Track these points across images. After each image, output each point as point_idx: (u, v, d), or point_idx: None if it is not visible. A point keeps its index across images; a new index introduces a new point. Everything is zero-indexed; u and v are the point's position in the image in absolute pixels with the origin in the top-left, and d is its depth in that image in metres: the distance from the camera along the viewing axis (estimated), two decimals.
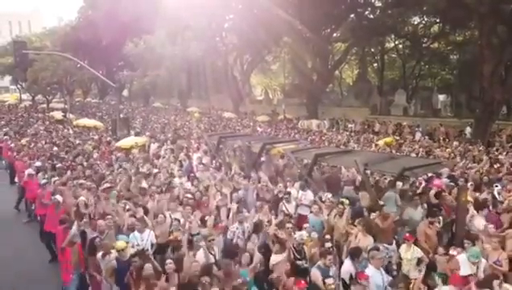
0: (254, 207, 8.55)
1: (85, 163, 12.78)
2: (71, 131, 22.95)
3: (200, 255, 6.45)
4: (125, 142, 16.36)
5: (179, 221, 7.74)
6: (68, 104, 36.04)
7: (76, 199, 8.79)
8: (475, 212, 7.88)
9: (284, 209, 8.51)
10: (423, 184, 10.15)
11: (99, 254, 6.51)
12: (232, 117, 33.67)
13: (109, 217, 7.46)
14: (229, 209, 8.33)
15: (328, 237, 7.18)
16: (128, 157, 14.27)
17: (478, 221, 7.55)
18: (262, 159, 12.00)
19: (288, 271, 6.02)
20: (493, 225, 7.14)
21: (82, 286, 7.04)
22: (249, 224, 7.58)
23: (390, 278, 5.97)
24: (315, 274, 5.95)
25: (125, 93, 48.84)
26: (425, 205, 8.48)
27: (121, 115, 25.43)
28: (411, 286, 5.43)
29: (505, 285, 5.59)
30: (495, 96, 20.89)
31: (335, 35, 35.51)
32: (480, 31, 21.78)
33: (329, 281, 5.43)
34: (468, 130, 22.69)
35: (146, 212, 7.94)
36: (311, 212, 8.29)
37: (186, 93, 40.49)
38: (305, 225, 7.38)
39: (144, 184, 9.99)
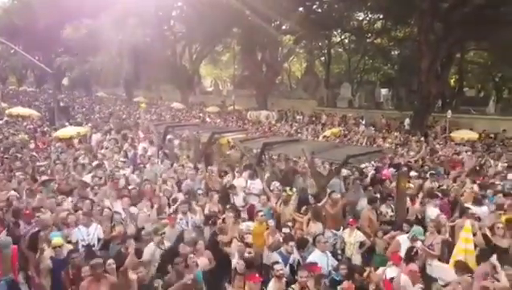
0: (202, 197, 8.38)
1: (19, 155, 11.83)
2: (2, 121, 21.16)
3: (148, 251, 6.13)
4: (65, 132, 15.40)
5: (120, 214, 7.38)
6: (0, 92, 33.22)
7: (7, 193, 8.10)
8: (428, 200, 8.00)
9: (232, 200, 8.41)
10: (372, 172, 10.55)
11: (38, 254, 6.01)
12: (180, 108, 32.95)
13: (43, 211, 6.94)
14: (174, 200, 8.07)
15: (289, 223, 7.18)
16: (68, 148, 13.43)
17: (431, 211, 7.68)
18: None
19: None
20: (445, 216, 7.28)
21: None
22: (199, 216, 7.40)
23: (336, 262, 6.11)
24: (274, 257, 5.87)
25: (65, 82, 45.84)
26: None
27: (61, 104, 23.92)
28: (365, 274, 5.59)
29: (437, 263, 6.00)
30: (431, 90, 22.32)
31: (284, 27, 35.87)
32: (419, 28, 23.11)
33: (277, 267, 5.43)
34: (407, 121, 24.01)
35: (92, 205, 7.47)
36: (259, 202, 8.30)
37: (132, 83, 38.79)
38: (260, 214, 7.24)
39: (85, 176, 9.45)
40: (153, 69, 34.34)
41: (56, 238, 5.99)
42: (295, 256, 6.06)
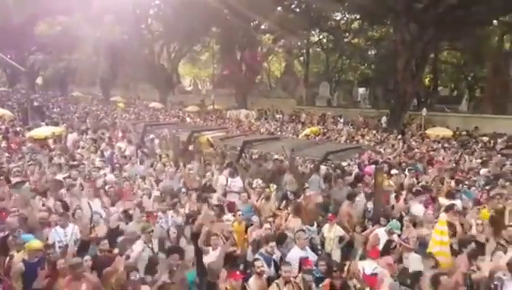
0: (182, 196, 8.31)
1: None
2: None
3: (137, 249, 5.94)
4: (39, 132, 14.92)
5: (99, 214, 7.23)
6: None
7: None
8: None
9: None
10: (356, 170, 10.72)
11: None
12: (159, 107, 32.55)
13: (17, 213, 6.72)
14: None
15: (270, 219, 7.20)
16: (43, 148, 13.06)
17: (415, 207, 7.72)
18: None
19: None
20: (432, 212, 7.30)
21: None
22: (182, 214, 7.32)
23: (316, 257, 6.14)
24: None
25: (39, 81, 44.58)
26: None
27: (35, 103, 23.25)
28: (346, 268, 5.65)
29: (413, 255, 6.15)
30: (407, 89, 22.85)
31: (263, 26, 35.98)
32: (394, 28, 23.62)
33: (258, 263, 5.43)
34: (384, 119, 24.52)
35: (66, 206, 7.30)
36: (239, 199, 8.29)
37: (109, 82, 38.06)
38: (239, 213, 7.21)
39: (60, 177, 9.21)
40: (130, 68, 33.90)
41: (34, 242, 5.80)
42: (278, 254, 6.07)
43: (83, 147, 12.91)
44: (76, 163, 10.61)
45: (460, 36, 25.99)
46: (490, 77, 27.05)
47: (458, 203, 7.92)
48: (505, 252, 5.67)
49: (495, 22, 25.73)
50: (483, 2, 19.87)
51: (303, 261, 5.45)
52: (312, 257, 6.03)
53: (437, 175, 10.39)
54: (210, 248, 6.15)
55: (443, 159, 13.08)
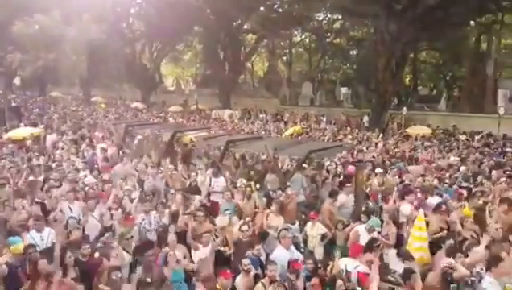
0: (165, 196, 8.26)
1: None
2: None
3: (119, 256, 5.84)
4: (17, 133, 14.61)
5: (75, 218, 7.00)
6: None
7: None
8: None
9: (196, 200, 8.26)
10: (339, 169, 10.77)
11: None
12: (141, 107, 32.17)
13: None
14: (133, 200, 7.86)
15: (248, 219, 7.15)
16: (20, 149, 12.77)
17: (405, 208, 7.67)
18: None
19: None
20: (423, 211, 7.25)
21: None
22: (167, 215, 7.21)
23: (301, 256, 6.12)
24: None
25: (17, 81, 43.40)
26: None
27: (12, 104, 22.69)
28: (329, 267, 5.70)
29: (393, 252, 6.27)
30: (388, 88, 23.26)
31: (246, 26, 36.00)
32: (375, 29, 23.98)
33: (245, 261, 5.45)
34: (365, 118, 24.84)
35: (45, 209, 7.13)
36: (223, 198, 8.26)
37: (89, 82, 37.33)
38: (226, 212, 7.17)
39: (40, 178, 9.01)
40: (111, 68, 33.33)
41: (20, 245, 5.65)
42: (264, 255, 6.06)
43: (62, 148, 12.64)
44: (54, 164, 10.41)
45: (439, 37, 26.57)
46: (468, 77, 27.78)
47: (435, 200, 8.08)
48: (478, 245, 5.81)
49: (472, 23, 26.43)
50: (460, 3, 20.35)
51: (292, 263, 5.38)
52: (297, 256, 6.01)
53: (422, 173, 10.49)
54: (201, 245, 6.12)
55: (431, 156, 13.27)
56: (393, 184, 9.16)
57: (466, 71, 28.82)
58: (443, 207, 7.30)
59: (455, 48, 29.90)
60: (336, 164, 11.33)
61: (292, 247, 6.20)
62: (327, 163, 10.96)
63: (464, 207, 7.78)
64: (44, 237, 6.30)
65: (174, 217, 7.13)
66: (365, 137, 18.55)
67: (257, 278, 5.41)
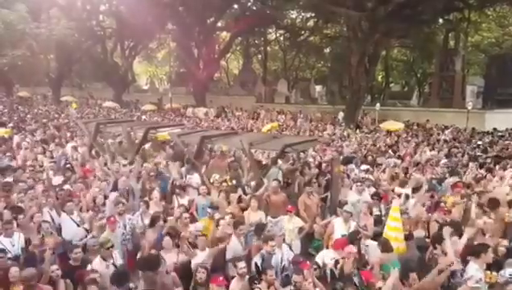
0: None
1: None
2: None
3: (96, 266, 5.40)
4: None
5: (49, 223, 6.62)
6: None
7: None
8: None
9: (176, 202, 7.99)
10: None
11: None
12: (113, 106, 31.40)
13: None
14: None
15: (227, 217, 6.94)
16: None
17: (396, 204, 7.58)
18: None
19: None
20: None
21: None
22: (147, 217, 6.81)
23: (292, 254, 5.90)
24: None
25: None
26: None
27: None
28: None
29: (371, 242, 6.31)
30: (361, 84, 23.62)
31: (219, 24, 35.74)
32: (347, 26, 24.30)
33: (240, 265, 5.11)
34: (340, 115, 25.16)
35: (20, 211, 6.70)
36: (199, 194, 8.09)
37: (58, 81, 36.07)
38: (209, 211, 6.82)
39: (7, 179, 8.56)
40: (81, 66, 32.35)
41: None
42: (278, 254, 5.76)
43: (26, 148, 12.11)
44: (17, 165, 9.97)
45: (409, 34, 27.24)
46: (437, 73, 28.61)
47: (409, 191, 8.20)
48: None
49: (441, 20, 27.21)
50: (428, 1, 20.87)
51: (301, 263, 5.03)
52: (288, 255, 5.81)
53: (407, 167, 10.54)
54: (197, 250, 5.81)
55: (415, 152, 13.45)
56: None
57: (435, 67, 29.68)
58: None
59: (424, 45, 30.75)
60: (314, 158, 11.39)
61: (284, 246, 5.92)
62: (309, 159, 10.97)
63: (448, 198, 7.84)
64: (15, 242, 5.93)
65: (153, 220, 6.58)
66: (345, 133, 18.72)
67: (252, 282, 5.01)
